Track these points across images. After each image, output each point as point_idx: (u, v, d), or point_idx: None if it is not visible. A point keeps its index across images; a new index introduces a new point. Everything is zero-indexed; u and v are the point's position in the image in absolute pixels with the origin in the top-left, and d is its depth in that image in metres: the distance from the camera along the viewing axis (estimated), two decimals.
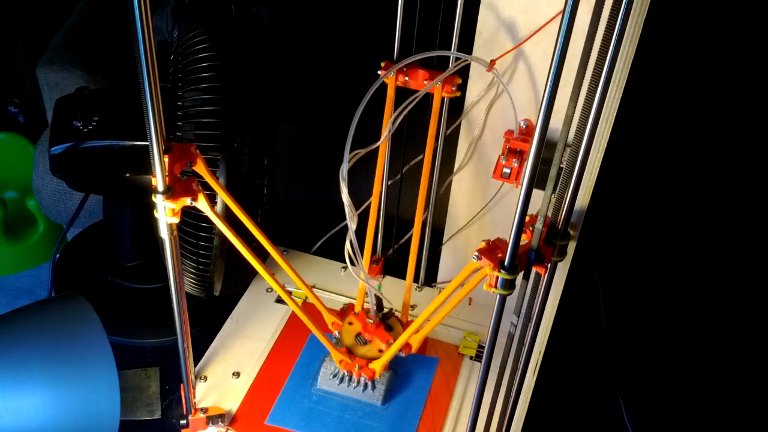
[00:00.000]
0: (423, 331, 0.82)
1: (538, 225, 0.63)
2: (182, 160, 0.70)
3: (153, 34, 0.58)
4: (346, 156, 0.71)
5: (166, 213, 0.70)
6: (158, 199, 0.68)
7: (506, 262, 0.61)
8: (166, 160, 0.67)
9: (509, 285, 0.62)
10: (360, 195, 1.05)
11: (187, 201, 0.70)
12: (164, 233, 0.72)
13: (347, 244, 0.75)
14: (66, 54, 1.31)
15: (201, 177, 0.74)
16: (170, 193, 0.68)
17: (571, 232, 0.64)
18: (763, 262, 1.35)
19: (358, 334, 0.87)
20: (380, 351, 0.84)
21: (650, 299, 1.28)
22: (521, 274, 0.64)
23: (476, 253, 0.63)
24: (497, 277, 0.61)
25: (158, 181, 0.68)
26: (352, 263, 0.76)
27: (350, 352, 0.84)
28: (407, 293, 0.90)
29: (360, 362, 0.83)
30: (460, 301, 0.72)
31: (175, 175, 0.69)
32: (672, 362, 1.18)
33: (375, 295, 0.84)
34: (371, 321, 0.85)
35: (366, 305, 0.88)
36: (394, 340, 0.84)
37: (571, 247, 0.66)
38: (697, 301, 1.28)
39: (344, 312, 0.88)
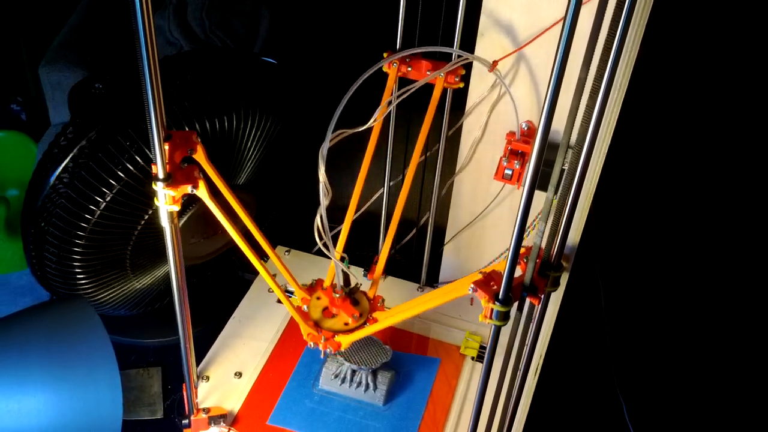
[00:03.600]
0: (390, 319, 0.83)
1: (531, 259, 0.64)
2: (183, 147, 0.70)
3: (154, 32, 0.58)
4: (329, 135, 0.72)
5: (166, 201, 0.70)
6: (158, 187, 0.68)
7: (501, 295, 0.62)
8: (167, 147, 0.67)
9: (504, 317, 0.63)
10: (368, 195, 1.06)
11: (187, 189, 0.70)
12: (165, 222, 0.72)
13: (317, 219, 0.75)
14: (68, 53, 1.31)
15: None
16: (170, 180, 0.69)
17: (564, 264, 0.65)
18: (763, 265, 1.35)
19: (326, 308, 0.88)
20: (346, 324, 0.85)
21: (651, 301, 1.28)
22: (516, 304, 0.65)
23: (472, 286, 0.64)
24: (492, 309, 0.62)
25: (158, 168, 0.68)
26: (320, 238, 0.77)
27: (317, 324, 0.85)
28: (378, 271, 0.91)
29: (326, 334, 0.84)
30: (442, 302, 0.73)
31: (176, 162, 0.69)
32: (673, 364, 1.18)
33: (342, 270, 0.85)
34: (338, 296, 0.86)
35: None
36: (360, 314, 0.85)
37: (564, 278, 0.67)
38: (698, 304, 1.28)
39: (313, 287, 0.89)
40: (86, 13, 1.43)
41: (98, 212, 0.87)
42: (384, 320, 0.83)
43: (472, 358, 1.00)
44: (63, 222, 0.87)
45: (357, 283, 0.88)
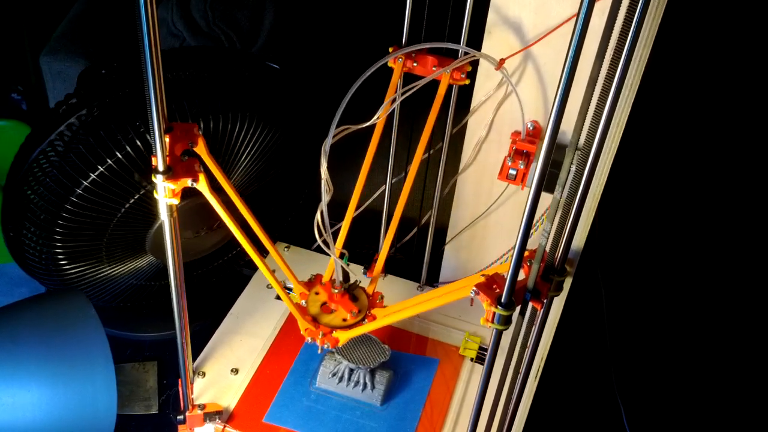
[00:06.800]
0: (390, 317, 0.83)
1: (536, 262, 0.63)
2: (183, 140, 0.69)
3: (157, 24, 0.57)
4: (332, 130, 0.71)
5: (165, 194, 0.69)
6: (158, 180, 0.68)
7: (503, 299, 0.61)
8: (167, 139, 0.66)
9: (506, 321, 0.62)
10: (370, 193, 1.05)
11: (187, 182, 0.69)
12: (164, 214, 0.71)
13: (318, 216, 0.75)
14: (70, 43, 1.30)
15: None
16: (170, 173, 0.68)
17: (568, 269, 0.64)
18: (765, 269, 1.34)
19: (324, 303, 0.87)
20: (344, 320, 0.84)
21: (653, 307, 1.27)
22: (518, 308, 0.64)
23: (474, 288, 0.63)
24: (494, 313, 0.61)
25: (158, 161, 0.67)
26: (320, 234, 0.76)
27: (315, 320, 0.85)
28: (377, 269, 0.90)
29: (324, 330, 0.84)
30: (442, 303, 0.72)
31: (176, 155, 0.68)
32: (673, 369, 1.17)
33: (341, 266, 0.84)
34: (336, 291, 0.85)
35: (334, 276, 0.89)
36: (359, 310, 0.85)
37: (568, 282, 0.66)
38: (700, 310, 1.27)
39: (312, 282, 0.88)
40: (89, 3, 1.42)
41: (83, 188, 0.85)
42: (382, 318, 0.83)
43: (471, 360, 0.99)
44: (48, 190, 0.86)
45: (356, 280, 0.87)
